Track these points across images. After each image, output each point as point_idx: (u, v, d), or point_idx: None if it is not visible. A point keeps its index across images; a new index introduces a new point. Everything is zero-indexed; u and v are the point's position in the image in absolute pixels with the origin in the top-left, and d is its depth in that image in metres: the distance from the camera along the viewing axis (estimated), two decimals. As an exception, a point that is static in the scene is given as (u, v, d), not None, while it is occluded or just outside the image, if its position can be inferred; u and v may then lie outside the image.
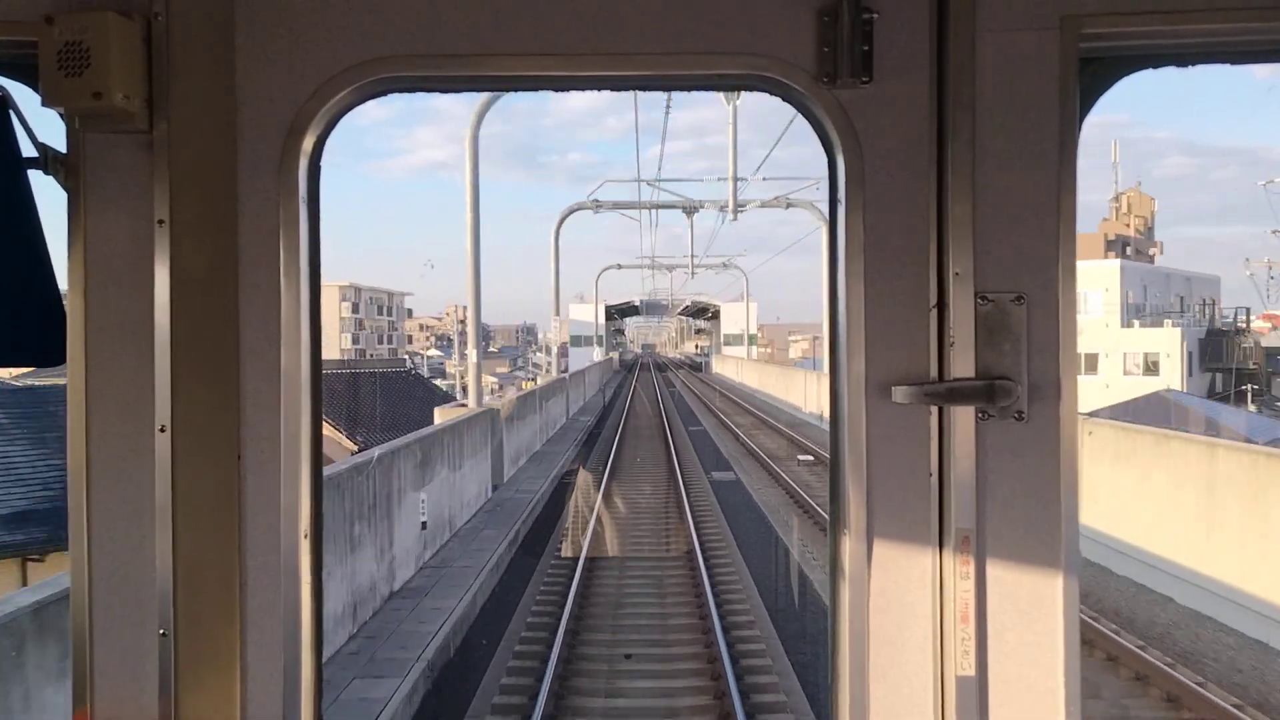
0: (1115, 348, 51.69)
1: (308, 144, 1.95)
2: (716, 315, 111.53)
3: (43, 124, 1.95)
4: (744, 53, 1.92)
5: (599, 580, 15.38)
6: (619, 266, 71.43)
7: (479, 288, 23.32)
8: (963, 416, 1.89)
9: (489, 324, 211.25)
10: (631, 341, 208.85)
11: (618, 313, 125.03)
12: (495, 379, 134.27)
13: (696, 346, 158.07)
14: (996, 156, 1.88)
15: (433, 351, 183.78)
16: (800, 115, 2.01)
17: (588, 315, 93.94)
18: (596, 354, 71.53)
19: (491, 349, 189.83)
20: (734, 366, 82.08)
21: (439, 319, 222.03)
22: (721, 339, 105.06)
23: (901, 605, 1.92)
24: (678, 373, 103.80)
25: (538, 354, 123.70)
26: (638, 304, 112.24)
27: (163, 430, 1.92)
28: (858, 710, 1.92)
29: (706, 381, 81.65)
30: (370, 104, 2.04)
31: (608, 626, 13.13)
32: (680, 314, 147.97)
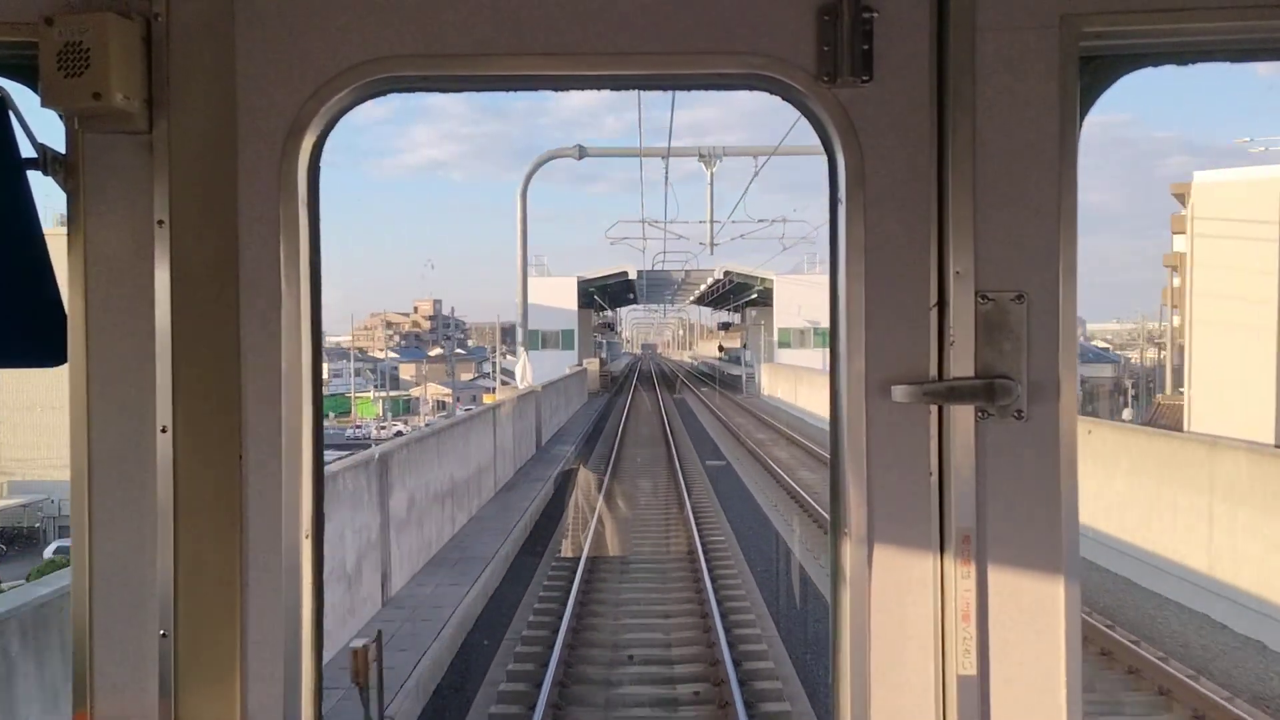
0: None
1: (307, 144, 1.94)
2: (763, 300, 70.12)
3: (42, 125, 1.94)
4: (744, 52, 1.92)
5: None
6: (578, 153, 28.80)
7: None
8: (962, 415, 1.89)
9: (464, 319, 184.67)
10: (628, 340, 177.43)
11: (602, 293, 78.46)
12: (447, 390, 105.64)
13: (721, 349, 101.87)
14: (997, 155, 1.89)
15: (389, 353, 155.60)
16: (800, 115, 2.01)
17: (562, 297, 59.78)
18: (523, 370, 29.64)
19: (459, 350, 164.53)
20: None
21: (406, 315, 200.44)
22: (775, 336, 64.30)
23: (902, 605, 1.91)
24: (700, 394, 62.39)
25: (508, 355, 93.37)
26: (631, 278, 69.72)
27: (164, 430, 1.92)
28: (859, 709, 1.92)
29: (800, 440, 33.01)
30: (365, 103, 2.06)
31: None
32: (697, 300, 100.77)
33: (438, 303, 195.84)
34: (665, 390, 66.67)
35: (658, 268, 65.29)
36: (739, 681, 10.75)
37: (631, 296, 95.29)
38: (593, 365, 64.79)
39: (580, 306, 68.11)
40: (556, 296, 59.61)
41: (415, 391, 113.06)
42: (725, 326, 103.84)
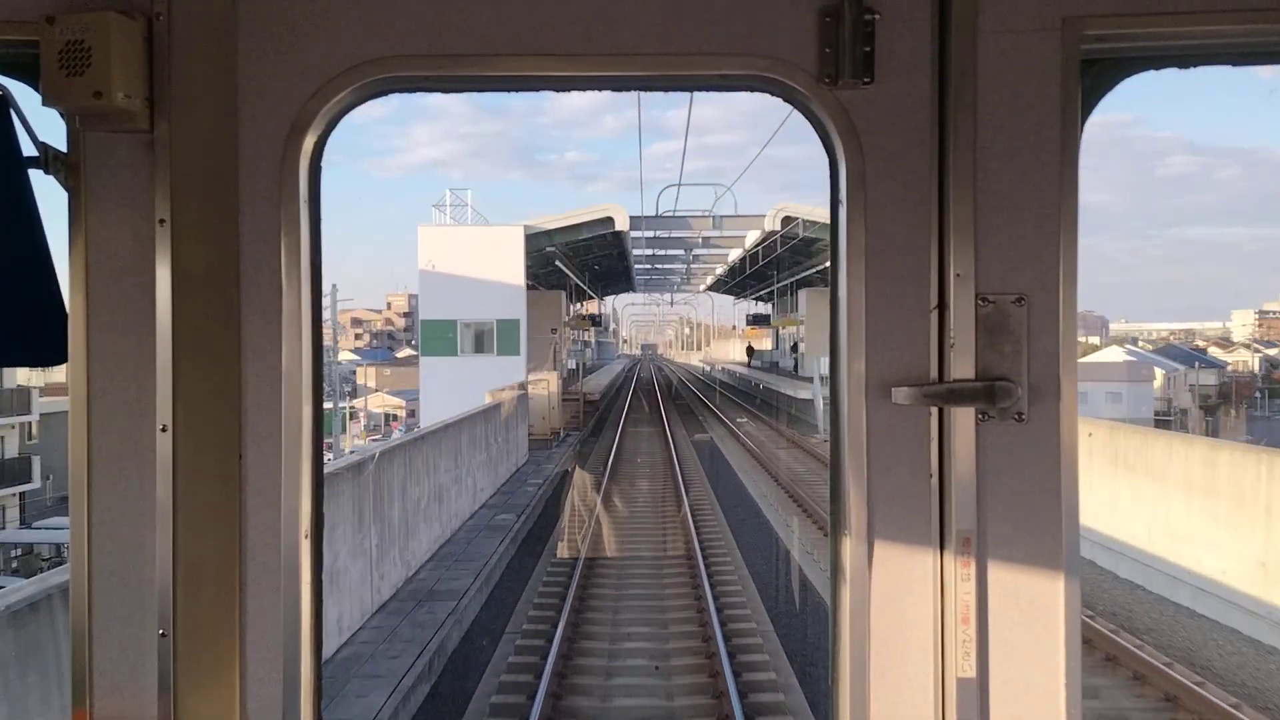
0: None
1: (308, 144, 1.95)
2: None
3: (43, 124, 1.90)
4: (745, 53, 1.93)
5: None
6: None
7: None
8: (963, 417, 1.90)
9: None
10: (625, 340, 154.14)
11: (576, 263, 46.20)
12: (399, 401, 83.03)
13: (751, 352, 72.38)
14: (998, 158, 1.90)
15: (346, 355, 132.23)
16: (801, 115, 2.01)
17: (504, 264, 33.81)
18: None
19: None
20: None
21: (379, 311, 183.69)
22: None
23: (902, 606, 1.92)
24: (745, 439, 33.69)
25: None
26: (620, 229, 37.85)
27: (164, 430, 1.93)
28: (858, 711, 1.93)
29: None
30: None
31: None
32: (718, 284, 70.11)
33: (413, 297, 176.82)
34: (677, 424, 39.82)
35: (665, 213, 39.55)
36: None
37: (627, 282, 70.20)
38: (542, 388, 32.37)
39: (542, 286, 41.55)
40: (492, 263, 33.94)
41: (359, 402, 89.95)
42: (758, 321, 69.97)
